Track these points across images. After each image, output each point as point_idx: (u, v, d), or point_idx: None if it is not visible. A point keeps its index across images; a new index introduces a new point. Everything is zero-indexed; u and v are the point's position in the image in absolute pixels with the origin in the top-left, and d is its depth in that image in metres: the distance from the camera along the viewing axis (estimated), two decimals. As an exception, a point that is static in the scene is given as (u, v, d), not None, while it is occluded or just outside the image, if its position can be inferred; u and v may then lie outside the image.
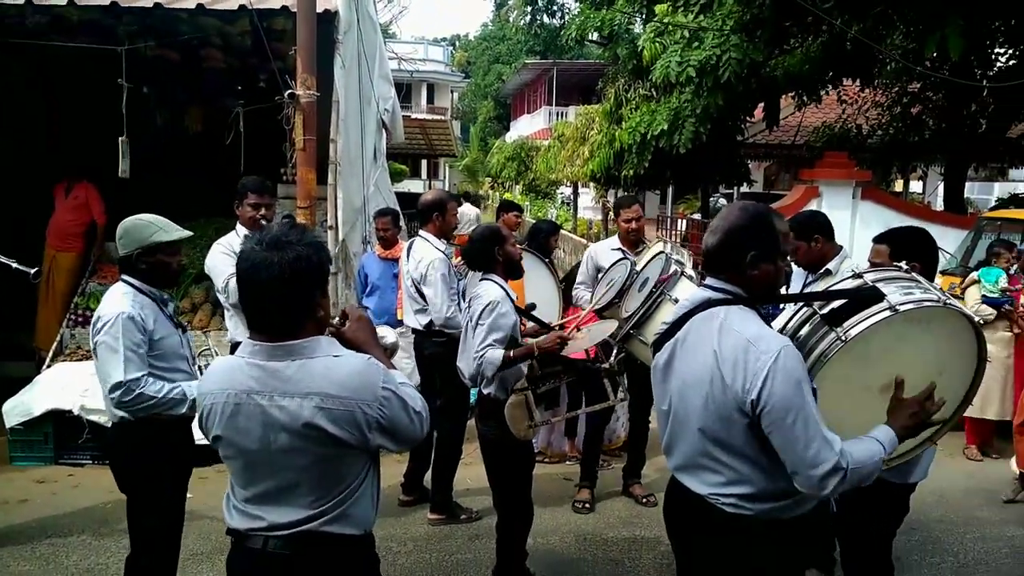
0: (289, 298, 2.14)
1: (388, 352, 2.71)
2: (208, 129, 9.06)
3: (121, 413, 3.39)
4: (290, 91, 5.93)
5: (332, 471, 2.19)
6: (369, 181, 7.59)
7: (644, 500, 5.75)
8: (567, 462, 6.66)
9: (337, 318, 2.44)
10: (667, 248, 4.22)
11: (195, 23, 6.86)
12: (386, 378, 2.19)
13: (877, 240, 3.67)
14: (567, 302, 5.76)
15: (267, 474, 2.19)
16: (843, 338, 2.38)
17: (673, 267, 3.69)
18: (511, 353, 4.02)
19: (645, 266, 3.93)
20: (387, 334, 2.73)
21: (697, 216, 16.51)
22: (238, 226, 5.08)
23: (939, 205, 16.19)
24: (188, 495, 3.69)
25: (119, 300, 3.40)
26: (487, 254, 4.18)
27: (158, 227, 3.49)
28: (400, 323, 5.62)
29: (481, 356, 3.98)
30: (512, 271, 4.29)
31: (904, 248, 3.44)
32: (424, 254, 5.17)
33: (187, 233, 3.59)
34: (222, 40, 7.45)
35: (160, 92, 8.77)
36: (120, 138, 6.80)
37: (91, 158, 7.97)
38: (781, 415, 2.20)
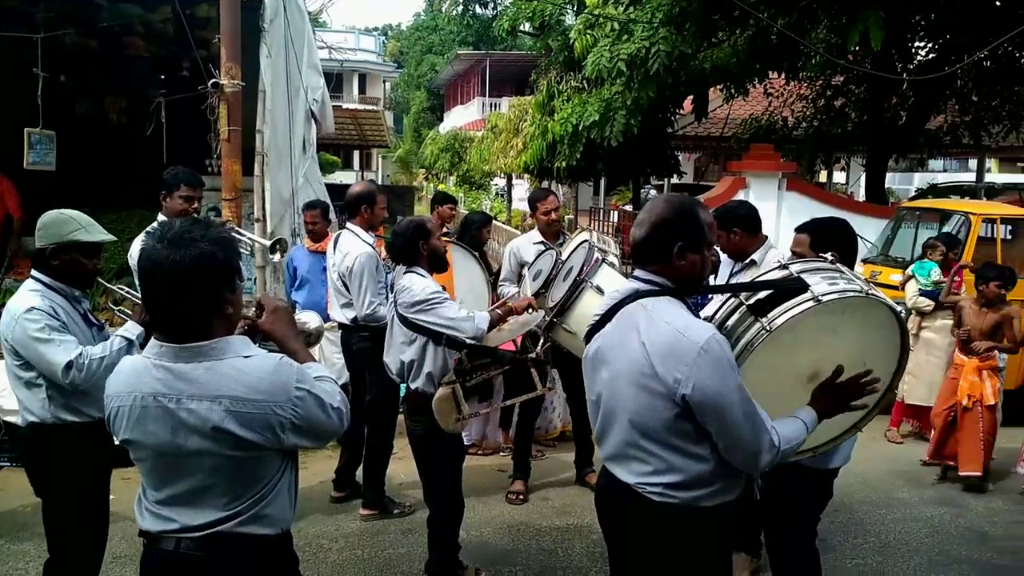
0: (193, 298, 2.06)
1: (311, 338, 2.63)
2: (129, 119, 8.79)
3: (32, 418, 3.29)
4: (214, 80, 5.78)
5: (245, 472, 2.13)
6: (298, 173, 7.46)
7: None
8: (501, 453, 6.65)
9: (253, 309, 2.37)
10: (591, 237, 4.27)
11: (116, 10, 6.66)
12: (300, 377, 2.13)
13: (799, 230, 3.71)
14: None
15: (178, 476, 2.13)
16: (768, 328, 2.42)
17: (596, 255, 3.69)
18: (499, 311, 4.03)
19: (570, 255, 3.93)
20: (309, 319, 2.65)
21: (629, 207, 16.67)
22: (160, 217, 4.92)
23: (861, 195, 16.62)
24: (111, 496, 3.57)
25: (27, 298, 3.29)
26: (411, 248, 4.14)
27: (80, 225, 3.37)
28: (329, 318, 5.52)
29: (471, 322, 3.95)
30: (437, 265, 4.25)
31: (824, 238, 3.49)
32: (350, 247, 5.08)
33: (109, 237, 3.48)
34: (144, 28, 7.26)
35: (79, 81, 8.47)
36: (27, 129, 6.54)
37: (6, 150, 7.66)
38: (714, 402, 2.24)
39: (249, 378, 2.06)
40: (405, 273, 4.15)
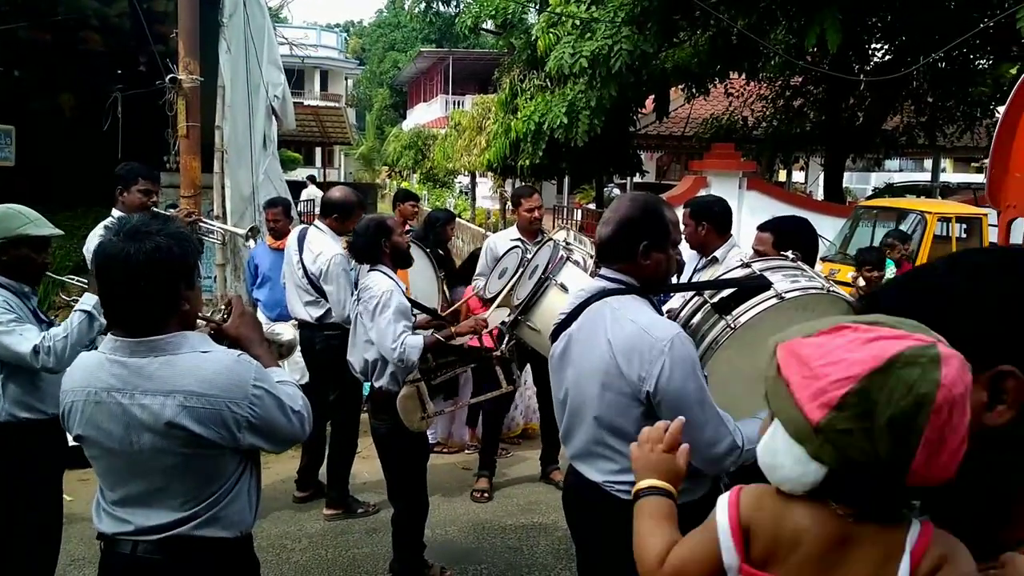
0: (148, 292, 2.04)
1: (284, 349, 2.60)
2: (85, 115, 8.62)
3: None
4: (172, 76, 5.69)
5: (201, 472, 2.10)
6: (259, 169, 7.37)
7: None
8: (467, 451, 6.64)
9: (222, 310, 2.34)
10: (569, 236, 4.28)
11: (71, 3, 6.53)
12: (258, 375, 2.11)
13: (761, 228, 3.74)
14: (447, 293, 5.72)
15: (133, 476, 2.10)
16: (732, 325, 2.44)
17: (560, 252, 3.70)
18: (434, 336, 3.99)
19: (536, 253, 3.94)
20: (284, 331, 2.62)
21: (592, 206, 16.74)
22: (115, 211, 4.82)
23: (819, 194, 16.86)
24: (68, 498, 3.51)
25: None
26: (374, 247, 4.11)
27: (28, 220, 3.32)
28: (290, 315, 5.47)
29: (401, 344, 3.90)
30: (400, 261, 4.24)
31: (787, 236, 3.52)
32: (323, 247, 5.01)
33: (58, 232, 3.45)
34: (100, 22, 7.11)
35: (34, 76, 8.29)
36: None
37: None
38: (678, 400, 2.25)
39: (205, 373, 2.04)
40: (369, 271, 4.13)
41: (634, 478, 1.66)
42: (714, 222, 4.40)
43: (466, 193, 30.01)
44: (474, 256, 6.36)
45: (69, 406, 2.13)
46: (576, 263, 3.67)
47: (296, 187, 8.04)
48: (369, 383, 4.19)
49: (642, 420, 2.31)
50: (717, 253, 4.37)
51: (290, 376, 2.29)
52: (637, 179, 18.50)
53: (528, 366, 5.82)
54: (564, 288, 3.59)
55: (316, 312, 5.14)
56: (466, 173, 26.18)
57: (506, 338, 4.40)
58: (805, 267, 2.71)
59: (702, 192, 10.50)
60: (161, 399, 2.01)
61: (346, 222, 5.10)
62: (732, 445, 2.33)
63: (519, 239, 5.52)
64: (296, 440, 2.24)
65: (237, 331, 2.30)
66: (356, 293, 4.21)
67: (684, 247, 4.33)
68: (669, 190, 12.07)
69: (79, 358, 2.22)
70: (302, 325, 5.22)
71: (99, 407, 2.07)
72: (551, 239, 3.93)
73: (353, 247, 4.22)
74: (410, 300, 4.24)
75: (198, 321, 2.25)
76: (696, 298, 2.64)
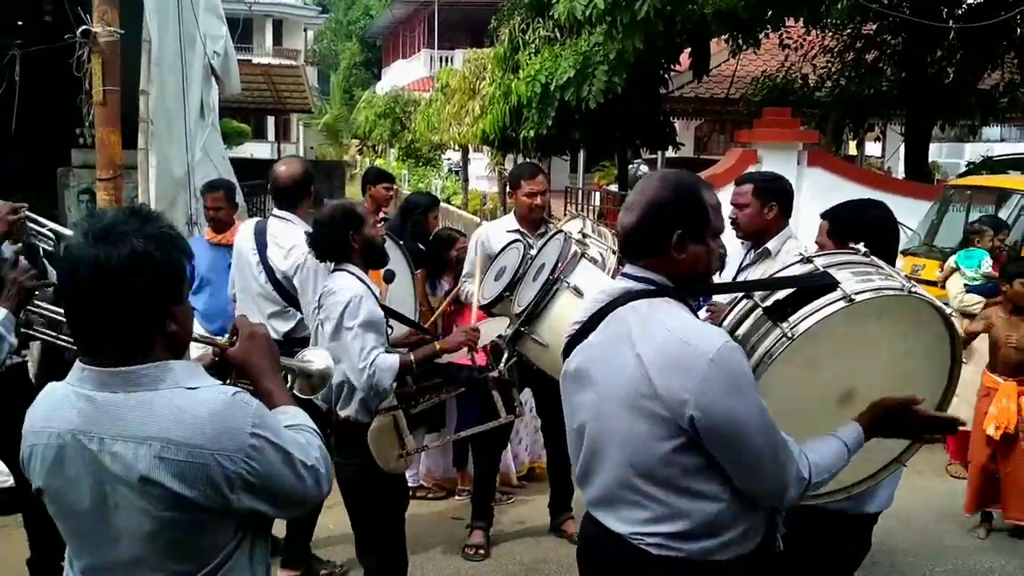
0: (122, 308, 2.00)
1: (316, 379, 2.53)
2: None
3: None
4: (84, 28, 5.68)
5: (185, 541, 2.03)
6: (195, 145, 7.38)
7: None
8: (457, 497, 6.62)
9: (226, 335, 2.32)
10: (585, 225, 4.24)
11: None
12: (258, 421, 2.03)
13: (826, 216, 3.72)
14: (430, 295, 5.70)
15: (103, 542, 2.05)
16: (789, 335, 2.42)
17: (573, 247, 3.68)
18: (411, 356, 3.96)
19: (541, 249, 3.93)
20: (315, 358, 2.55)
21: (615, 187, 16.72)
22: None
23: (900, 171, 16.82)
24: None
25: None
26: (339, 241, 4.08)
27: None
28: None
29: (372, 364, 3.88)
30: (373, 259, 4.21)
31: (855, 225, 3.49)
32: (296, 240, 4.94)
33: None
34: (-7, -39, 7.11)
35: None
36: None
37: None
38: (729, 426, 2.26)
39: (188, 416, 1.97)
40: (333, 272, 4.11)
41: None
42: (784, 201, 4.40)
43: (457, 173, 30.03)
44: (441, 238, 6.35)
45: (28, 451, 2.09)
46: (593, 260, 3.67)
47: (247, 167, 8.00)
48: (333, 412, 4.15)
49: (681, 454, 2.33)
50: (769, 245, 4.37)
51: (307, 418, 2.24)
52: (670, 153, 18.52)
53: (529, 390, 5.79)
54: (578, 292, 3.59)
55: (284, 326, 5.12)
56: (456, 148, 26.20)
57: (504, 355, 4.39)
58: (880, 263, 2.71)
59: (752, 170, 10.48)
60: (134, 447, 1.96)
61: (298, 205, 5.09)
62: (798, 476, 2.34)
63: (518, 230, 5.50)
64: (310, 502, 2.18)
65: (244, 358, 2.26)
66: (318, 298, 4.18)
67: (727, 238, 4.35)
68: (710, 167, 12.05)
69: (44, 391, 2.17)
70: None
71: (62, 452, 2.03)
72: (560, 231, 3.91)
73: (314, 241, 4.19)
74: (385, 309, 4.22)
75: (197, 346, 2.19)
76: (744, 301, 2.64)
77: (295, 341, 5.03)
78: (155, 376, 2.01)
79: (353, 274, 4.06)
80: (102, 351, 2.03)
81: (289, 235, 5.05)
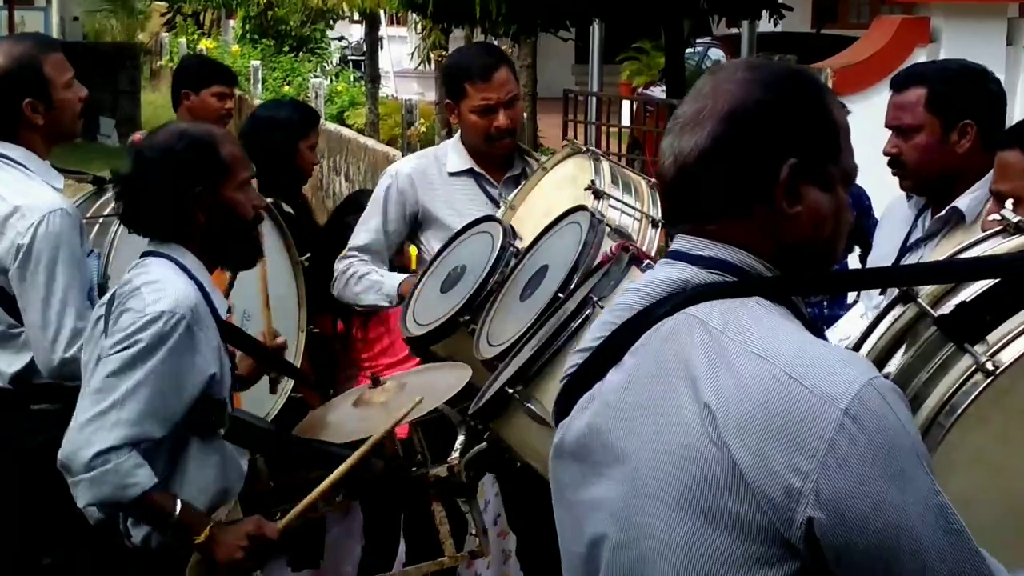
0: None
1: None
2: None
3: None
4: None
5: None
6: None
7: None
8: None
9: None
10: (602, 171, 3.18)
11: None
12: None
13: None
14: (322, 296, 4.11)
15: None
16: (987, 368, 1.65)
17: (606, 242, 2.67)
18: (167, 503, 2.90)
19: (543, 237, 2.94)
20: None
21: (660, 91, 12.20)
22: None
23: None
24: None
25: None
26: (175, 200, 2.76)
27: None
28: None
29: (102, 461, 2.63)
30: (218, 247, 2.92)
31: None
32: (26, 198, 3.29)
33: None
34: None
35: None
36: None
37: None
38: (879, 538, 1.39)
39: None
40: (143, 257, 2.85)
41: None
42: (987, 121, 3.05)
43: (358, 65, 20.62)
44: (351, 202, 4.58)
45: None
46: (648, 266, 2.62)
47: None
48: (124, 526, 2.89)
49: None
50: (961, 203, 3.03)
51: None
52: (766, 27, 11.70)
53: (490, 478, 4.05)
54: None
55: (16, 361, 3.43)
56: (356, 18, 18.55)
57: (460, 438, 3.07)
58: None
59: (917, 53, 8.09)
60: None
61: (52, 100, 3.36)
62: None
63: (472, 170, 3.86)
64: None
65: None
66: (108, 302, 2.86)
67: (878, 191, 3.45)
68: (840, 53, 9.27)
69: None
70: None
71: None
72: (583, 207, 2.86)
73: (127, 201, 2.85)
74: (231, 330, 3.07)
75: None
76: (898, 308, 1.77)
77: (32, 392, 3.42)
78: None
79: (180, 266, 2.80)
80: None
81: (14, 188, 3.33)
